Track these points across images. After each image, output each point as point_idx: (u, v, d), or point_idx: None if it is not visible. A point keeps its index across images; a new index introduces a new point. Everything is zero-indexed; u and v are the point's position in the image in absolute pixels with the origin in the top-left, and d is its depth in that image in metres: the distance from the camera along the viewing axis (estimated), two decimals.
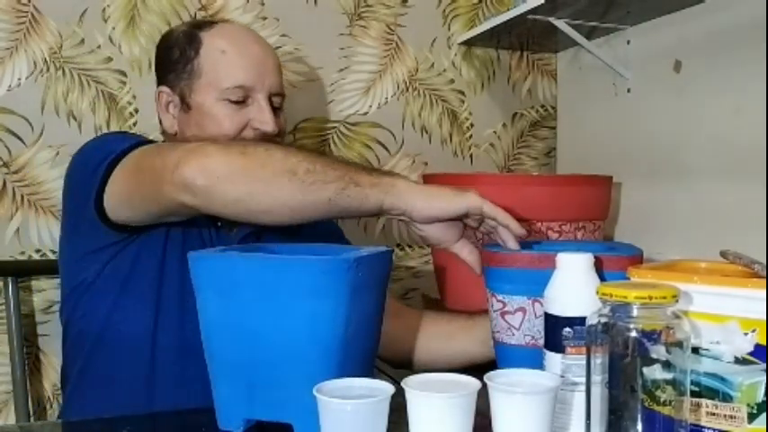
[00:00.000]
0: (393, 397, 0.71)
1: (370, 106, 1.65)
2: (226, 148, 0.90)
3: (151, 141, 1.09)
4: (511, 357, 0.89)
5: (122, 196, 0.98)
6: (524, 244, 0.95)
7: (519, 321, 0.87)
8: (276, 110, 1.13)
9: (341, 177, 0.87)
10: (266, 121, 1.09)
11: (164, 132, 1.18)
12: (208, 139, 1.00)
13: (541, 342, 0.85)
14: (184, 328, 1.02)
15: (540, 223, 1.31)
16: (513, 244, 0.92)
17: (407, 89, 1.68)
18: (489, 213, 0.90)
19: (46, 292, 1.40)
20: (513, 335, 0.88)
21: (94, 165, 1.00)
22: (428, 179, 1.48)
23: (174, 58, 1.12)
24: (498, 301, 0.89)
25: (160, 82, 1.15)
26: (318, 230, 1.21)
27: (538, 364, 0.78)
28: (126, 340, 1.03)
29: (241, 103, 1.09)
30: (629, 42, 1.54)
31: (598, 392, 0.71)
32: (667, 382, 0.68)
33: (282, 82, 1.17)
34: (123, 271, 1.04)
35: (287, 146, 0.93)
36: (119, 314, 1.04)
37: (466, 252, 0.97)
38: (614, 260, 0.84)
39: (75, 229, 1.07)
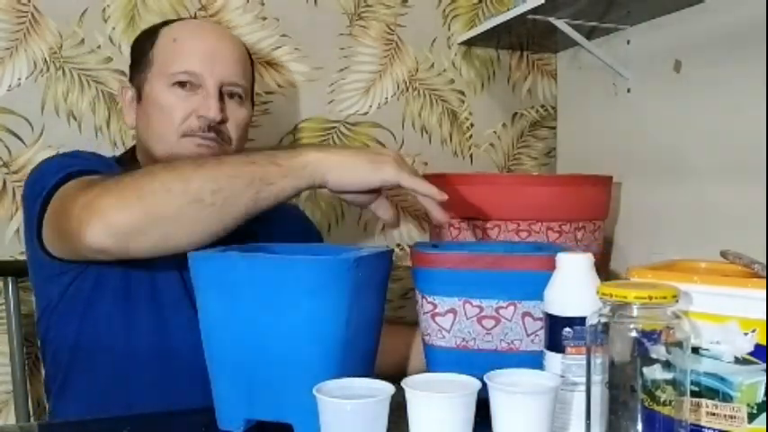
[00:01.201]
0: (393, 397, 0.71)
1: (370, 106, 1.65)
2: (120, 196, 0.84)
3: (92, 170, 0.99)
4: (441, 360, 0.87)
5: (52, 243, 0.97)
6: (460, 244, 0.94)
7: (449, 323, 0.86)
8: (232, 101, 1.10)
9: (250, 183, 0.84)
10: (209, 107, 1.05)
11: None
12: (104, 179, 0.91)
13: (471, 344, 0.86)
14: (159, 336, 1.01)
15: (540, 223, 1.31)
16: (438, 214, 0.91)
17: (407, 89, 1.68)
18: (408, 186, 0.89)
19: None
20: (444, 337, 0.87)
21: (32, 199, 0.98)
22: (428, 179, 1.48)
23: (136, 54, 1.14)
24: (428, 302, 0.87)
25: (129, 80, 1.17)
26: (289, 230, 1.19)
27: (468, 366, 0.78)
28: (99, 355, 1.02)
29: (190, 90, 1.07)
30: (629, 42, 1.54)
31: (598, 392, 0.71)
32: (667, 382, 0.69)
33: (243, 74, 1.13)
34: (85, 290, 1.02)
35: (183, 166, 0.86)
36: (88, 331, 1.02)
37: (381, 211, 0.95)
38: (543, 260, 0.84)
39: (32, 256, 1.06)
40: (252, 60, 1.21)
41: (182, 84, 1.07)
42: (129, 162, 1.15)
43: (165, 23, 1.15)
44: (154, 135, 1.08)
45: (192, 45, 1.09)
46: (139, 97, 1.11)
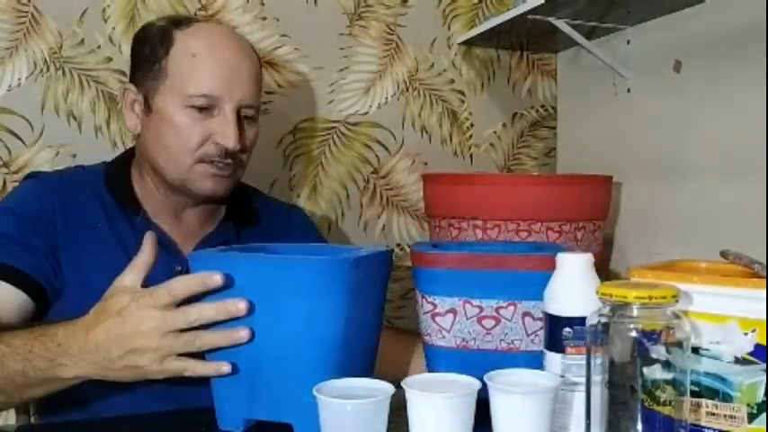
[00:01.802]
0: (393, 397, 0.71)
1: (370, 106, 1.65)
2: None
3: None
4: (441, 360, 0.87)
5: None
6: (460, 244, 0.93)
7: (449, 323, 0.86)
8: (245, 122, 1.06)
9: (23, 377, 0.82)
10: (229, 136, 1.01)
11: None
12: None
13: (471, 344, 0.86)
14: None
15: (540, 223, 1.31)
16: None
17: (407, 89, 1.68)
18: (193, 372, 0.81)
19: None
20: (444, 337, 0.87)
21: None
22: (428, 179, 1.48)
23: (145, 54, 1.05)
24: (428, 302, 0.87)
25: (130, 78, 1.09)
26: (290, 235, 1.17)
27: (468, 366, 0.78)
28: None
29: (206, 111, 1.02)
30: (629, 42, 1.54)
31: (598, 392, 0.71)
32: (667, 382, 0.69)
33: (258, 93, 1.09)
34: (69, 310, 0.96)
35: None
36: None
37: None
38: (543, 260, 0.84)
39: None
40: (261, 69, 1.14)
41: (199, 106, 1.02)
42: (122, 168, 1.10)
43: (178, 24, 1.07)
44: (165, 154, 1.03)
45: (212, 64, 1.02)
46: (147, 106, 1.05)
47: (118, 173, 1.10)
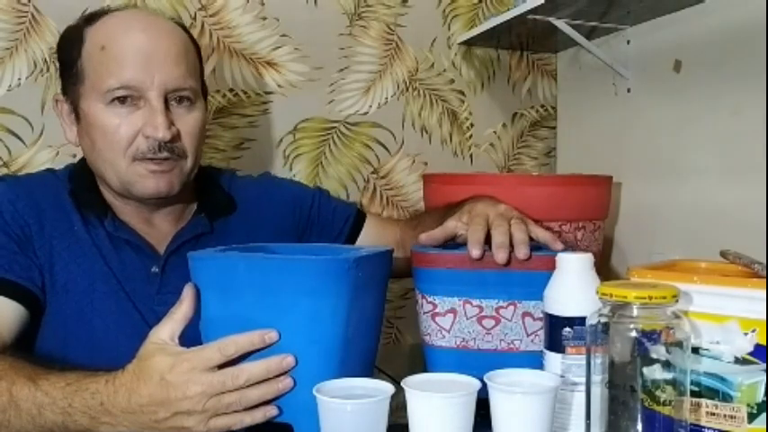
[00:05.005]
0: (393, 397, 0.71)
1: (370, 106, 1.65)
2: None
3: None
4: (441, 360, 0.87)
5: None
6: (461, 244, 0.91)
7: (449, 323, 0.86)
8: (180, 108, 0.97)
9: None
10: (156, 125, 0.93)
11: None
12: None
13: (471, 344, 0.85)
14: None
15: (539, 223, 1.31)
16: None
17: (407, 89, 1.68)
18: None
19: None
20: (444, 337, 0.87)
21: None
22: (428, 179, 1.48)
23: (63, 60, 1.00)
24: (428, 302, 0.87)
25: (61, 89, 1.03)
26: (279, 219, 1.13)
27: (468, 366, 0.78)
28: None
29: (132, 105, 0.94)
30: (629, 42, 1.54)
31: (598, 392, 0.71)
32: (667, 382, 0.69)
33: (188, 73, 0.98)
34: (55, 331, 0.97)
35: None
36: (74, 345, 0.97)
37: None
38: (543, 260, 0.84)
39: None
40: (196, 46, 1.04)
41: (121, 99, 0.94)
42: (86, 173, 1.04)
43: (90, 20, 0.99)
44: (100, 160, 0.97)
45: (123, 51, 0.94)
46: (77, 114, 0.99)
47: (83, 180, 1.04)
